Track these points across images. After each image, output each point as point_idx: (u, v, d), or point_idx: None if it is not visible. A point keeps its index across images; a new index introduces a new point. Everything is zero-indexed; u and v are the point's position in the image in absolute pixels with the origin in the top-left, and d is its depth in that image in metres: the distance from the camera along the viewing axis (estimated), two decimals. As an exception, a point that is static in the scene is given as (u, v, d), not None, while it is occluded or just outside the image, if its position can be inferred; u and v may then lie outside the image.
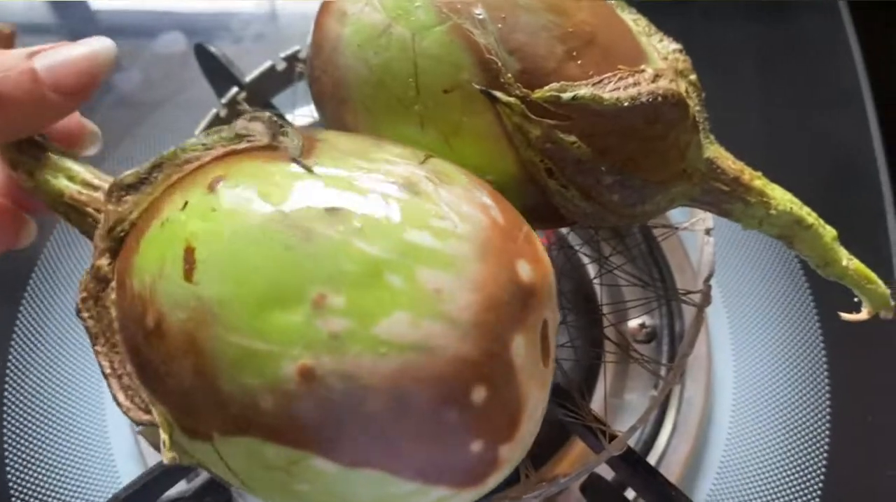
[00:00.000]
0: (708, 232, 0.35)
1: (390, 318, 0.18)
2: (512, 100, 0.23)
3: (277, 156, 0.21)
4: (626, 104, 0.23)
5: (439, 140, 0.24)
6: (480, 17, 0.23)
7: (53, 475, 0.41)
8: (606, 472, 0.38)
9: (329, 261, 0.18)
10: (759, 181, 0.27)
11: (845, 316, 0.30)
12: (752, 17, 0.59)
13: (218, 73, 0.44)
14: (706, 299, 0.34)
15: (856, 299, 0.29)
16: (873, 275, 0.28)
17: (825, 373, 0.43)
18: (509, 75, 0.23)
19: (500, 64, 0.23)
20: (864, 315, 0.29)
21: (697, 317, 0.33)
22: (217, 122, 0.42)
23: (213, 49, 0.43)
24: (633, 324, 0.44)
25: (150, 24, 0.60)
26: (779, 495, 0.40)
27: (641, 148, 0.24)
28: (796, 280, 0.46)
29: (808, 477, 0.40)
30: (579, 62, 0.23)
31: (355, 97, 0.25)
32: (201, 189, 0.20)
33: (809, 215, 0.27)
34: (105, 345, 0.22)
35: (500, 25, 0.23)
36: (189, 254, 0.19)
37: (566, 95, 0.23)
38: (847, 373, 0.43)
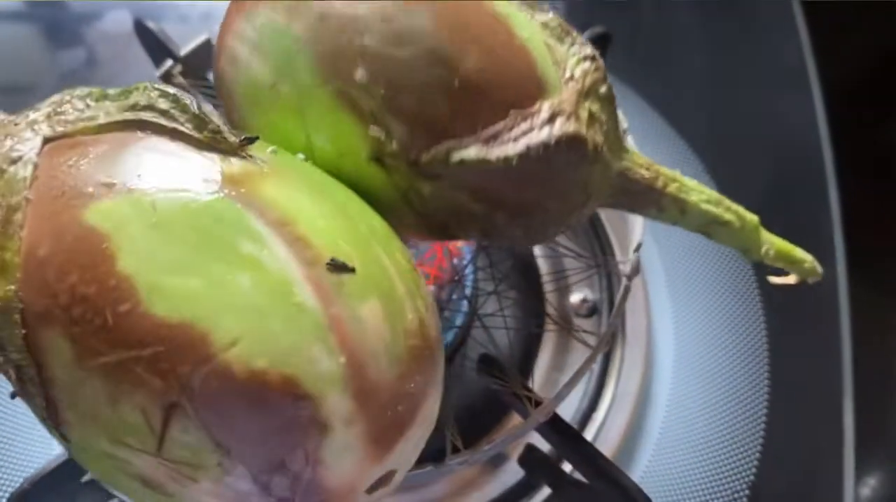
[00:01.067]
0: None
1: None
2: (400, 165, 0.23)
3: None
4: (514, 162, 0.22)
5: (343, 195, 0.23)
6: (362, 79, 0.22)
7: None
8: (545, 446, 0.38)
9: None
10: (673, 185, 0.26)
11: (774, 279, 0.30)
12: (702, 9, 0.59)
13: (157, 49, 0.43)
14: (634, 270, 0.34)
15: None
16: (797, 253, 0.29)
17: (764, 342, 0.44)
18: (394, 144, 0.23)
19: (383, 136, 0.22)
20: (791, 279, 0.29)
21: (625, 286, 0.33)
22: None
23: (150, 24, 0.43)
24: (575, 298, 0.44)
25: (96, 3, 0.59)
26: (716, 466, 0.40)
27: (538, 193, 0.24)
28: (736, 254, 0.47)
29: (744, 455, 0.41)
30: (468, 116, 0.22)
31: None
32: None
33: (727, 211, 0.27)
34: None
35: (383, 90, 0.22)
36: None
37: (453, 159, 0.22)
38: (784, 342, 0.44)
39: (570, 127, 0.23)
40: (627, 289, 0.33)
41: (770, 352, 0.43)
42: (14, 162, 0.21)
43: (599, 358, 0.42)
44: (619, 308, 0.33)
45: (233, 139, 0.21)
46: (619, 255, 0.44)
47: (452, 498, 0.40)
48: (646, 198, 0.26)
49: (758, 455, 0.41)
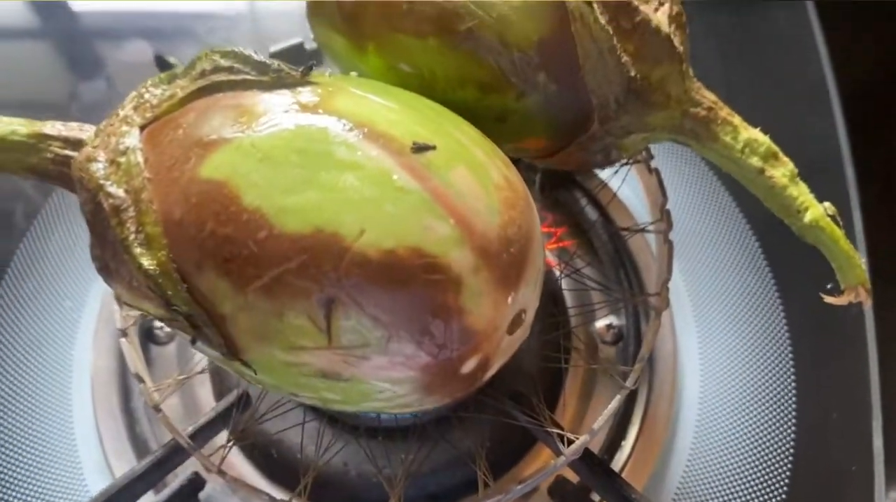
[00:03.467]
0: (666, 237, 0.36)
1: None
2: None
3: None
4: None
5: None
6: None
7: (23, 489, 0.41)
8: (573, 475, 0.38)
9: None
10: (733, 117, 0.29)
11: (827, 298, 0.29)
12: (719, 10, 0.59)
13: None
14: (664, 303, 0.34)
15: (829, 286, 0.29)
16: (845, 243, 0.28)
17: (791, 369, 0.44)
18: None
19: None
20: (843, 299, 0.29)
21: (654, 322, 0.34)
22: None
23: (172, 59, 0.43)
24: (601, 324, 0.44)
25: (115, 30, 0.59)
26: (745, 492, 0.40)
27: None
28: (763, 277, 0.47)
29: (773, 479, 0.41)
30: None
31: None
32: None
33: (773, 166, 0.28)
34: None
35: None
36: None
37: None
38: (813, 371, 0.44)
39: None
40: (657, 326, 0.33)
41: (796, 377, 0.43)
42: (124, 153, 0.24)
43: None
44: (649, 345, 0.33)
45: (294, 73, 0.24)
46: (646, 284, 0.44)
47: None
48: (711, 118, 0.28)
49: (787, 480, 0.41)
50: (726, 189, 0.49)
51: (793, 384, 0.43)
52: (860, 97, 0.59)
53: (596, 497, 0.39)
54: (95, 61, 0.58)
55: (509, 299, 0.23)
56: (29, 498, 0.41)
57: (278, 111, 0.23)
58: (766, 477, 0.41)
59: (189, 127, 0.24)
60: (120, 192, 0.24)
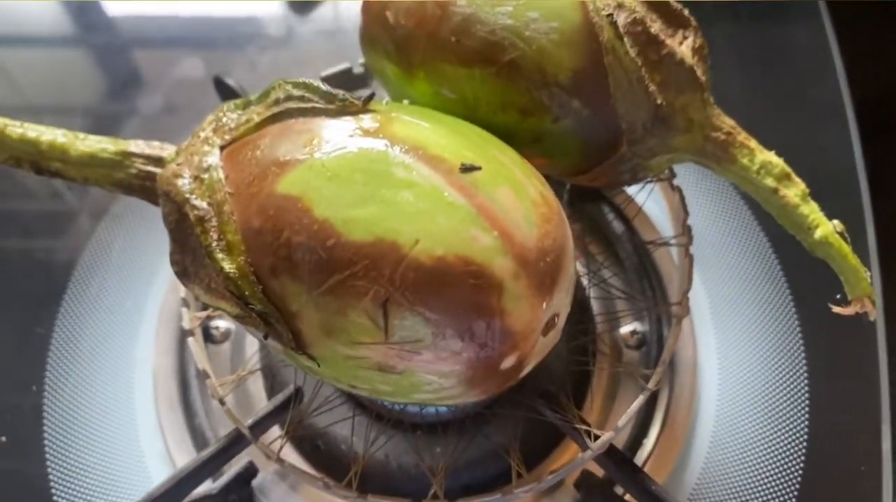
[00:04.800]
0: (687, 250, 0.38)
1: None
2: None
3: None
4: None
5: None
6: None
7: (89, 478, 0.44)
8: (599, 470, 0.41)
9: None
10: (744, 152, 0.31)
11: (835, 308, 0.31)
12: (737, 23, 0.62)
13: (235, 102, 0.47)
14: (684, 311, 0.37)
15: (838, 296, 0.32)
16: (852, 258, 0.30)
17: (804, 374, 0.46)
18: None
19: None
20: (849, 310, 0.31)
21: (675, 329, 0.36)
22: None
23: (230, 81, 0.47)
24: (625, 330, 0.47)
25: (169, 48, 0.63)
26: (760, 488, 0.43)
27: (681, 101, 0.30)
28: (778, 286, 0.49)
29: (786, 477, 0.43)
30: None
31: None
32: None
33: (787, 186, 0.31)
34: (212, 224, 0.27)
35: None
36: None
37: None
38: (825, 376, 0.46)
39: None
40: (678, 332, 0.36)
41: (809, 381, 0.46)
42: (207, 170, 0.27)
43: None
44: (669, 350, 0.36)
45: (357, 102, 0.27)
46: (669, 293, 0.46)
47: (513, 518, 0.43)
48: (730, 142, 0.31)
49: (799, 478, 0.43)
50: (746, 204, 0.52)
51: (806, 388, 0.45)
52: (875, 111, 0.60)
53: (619, 491, 0.41)
54: (152, 76, 0.62)
55: (544, 304, 0.26)
56: (95, 486, 0.44)
57: (344, 135, 0.26)
58: (780, 475, 0.43)
59: (266, 148, 0.27)
60: (203, 205, 0.27)
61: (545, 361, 0.30)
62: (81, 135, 0.30)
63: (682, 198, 0.40)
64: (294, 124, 0.27)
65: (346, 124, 0.27)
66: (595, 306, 0.46)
